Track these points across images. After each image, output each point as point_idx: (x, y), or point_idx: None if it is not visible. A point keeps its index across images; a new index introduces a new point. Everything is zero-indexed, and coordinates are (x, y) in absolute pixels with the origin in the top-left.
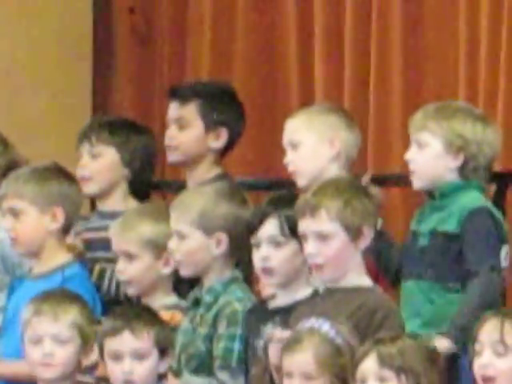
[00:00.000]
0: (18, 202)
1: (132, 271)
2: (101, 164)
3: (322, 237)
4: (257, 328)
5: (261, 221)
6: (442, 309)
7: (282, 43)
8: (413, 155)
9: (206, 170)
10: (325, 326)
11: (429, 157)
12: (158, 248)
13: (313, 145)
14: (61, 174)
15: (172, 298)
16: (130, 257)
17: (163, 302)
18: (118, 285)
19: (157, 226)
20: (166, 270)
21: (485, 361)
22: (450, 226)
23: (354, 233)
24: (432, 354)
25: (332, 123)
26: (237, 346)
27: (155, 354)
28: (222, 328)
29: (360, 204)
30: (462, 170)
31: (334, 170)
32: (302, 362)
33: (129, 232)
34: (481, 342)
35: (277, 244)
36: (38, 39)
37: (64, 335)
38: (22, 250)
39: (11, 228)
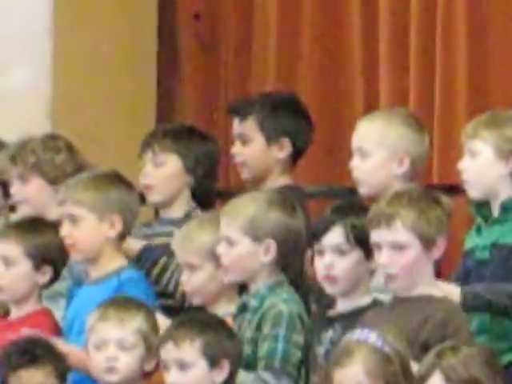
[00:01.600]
0: (76, 209)
1: (195, 282)
2: (164, 172)
3: (398, 247)
4: (317, 335)
5: (326, 228)
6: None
7: (348, 51)
8: (465, 164)
9: (273, 181)
10: (371, 337)
11: (481, 165)
12: (220, 257)
13: (382, 159)
14: (120, 181)
15: (233, 307)
16: (192, 268)
17: (227, 309)
18: (176, 284)
19: (217, 235)
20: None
21: None
22: None
23: (429, 243)
24: (492, 358)
25: (405, 138)
26: (280, 346)
27: (202, 364)
28: (266, 329)
29: (434, 214)
30: None
31: (398, 185)
32: (353, 375)
33: (189, 243)
34: None
35: (341, 252)
36: (104, 46)
37: (129, 341)
38: (79, 257)
39: (69, 234)
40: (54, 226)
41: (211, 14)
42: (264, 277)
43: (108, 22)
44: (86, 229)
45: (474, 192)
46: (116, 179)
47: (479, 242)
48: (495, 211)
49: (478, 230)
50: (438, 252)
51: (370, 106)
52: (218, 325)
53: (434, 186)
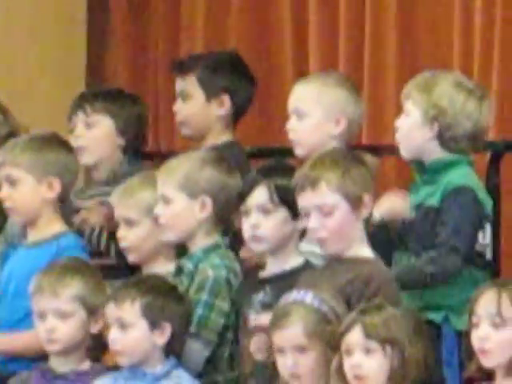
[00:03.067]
0: (14, 171)
1: (132, 238)
2: (96, 133)
3: (325, 210)
4: (248, 297)
5: (250, 189)
6: None
7: (277, 12)
8: (400, 123)
9: (215, 139)
10: (308, 297)
11: (409, 126)
12: None
13: (319, 119)
14: (59, 143)
15: (173, 266)
16: (129, 223)
17: (164, 269)
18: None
19: (156, 193)
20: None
21: (482, 333)
22: (434, 202)
23: (355, 202)
24: (418, 324)
25: (341, 100)
26: (200, 311)
27: (142, 324)
28: (191, 293)
29: (358, 173)
30: (440, 139)
31: (334, 145)
32: (292, 335)
33: (129, 198)
34: (478, 315)
35: (266, 212)
36: (35, 7)
37: (65, 309)
38: (18, 219)
39: (7, 196)
40: None
41: None
42: (201, 237)
43: None
44: (24, 191)
45: (403, 151)
46: (54, 141)
47: (412, 201)
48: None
49: (415, 189)
50: (366, 210)
51: (300, 67)
52: (163, 287)
53: (363, 147)
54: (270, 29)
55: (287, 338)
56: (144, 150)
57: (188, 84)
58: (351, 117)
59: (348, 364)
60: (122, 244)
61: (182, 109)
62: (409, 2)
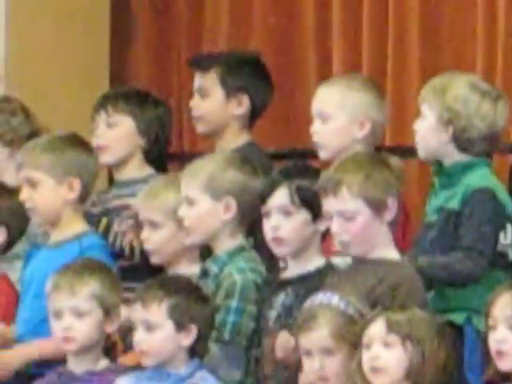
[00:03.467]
0: (34, 172)
1: (156, 240)
2: (117, 133)
3: (347, 215)
4: (269, 299)
5: (271, 190)
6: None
7: (301, 16)
8: (417, 125)
9: (232, 139)
10: (334, 299)
11: (425, 128)
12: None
13: (343, 123)
14: (78, 143)
15: (196, 268)
16: (154, 225)
17: (188, 270)
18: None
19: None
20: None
21: (499, 336)
22: (454, 205)
23: (378, 206)
24: (441, 328)
25: (366, 103)
26: (232, 318)
27: (169, 326)
28: (219, 299)
29: (381, 176)
30: (456, 142)
31: (359, 149)
32: (319, 338)
33: (153, 200)
34: (494, 317)
35: (287, 213)
36: (58, 8)
37: (83, 308)
38: (39, 220)
39: (28, 198)
40: (7, 189)
41: None
42: (225, 238)
43: None
44: (45, 192)
45: (421, 153)
46: (74, 142)
47: (432, 204)
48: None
49: (435, 192)
50: (390, 214)
51: (323, 71)
52: (189, 288)
53: (385, 149)
54: (293, 31)
55: (314, 341)
56: (167, 152)
57: (208, 80)
58: (375, 120)
59: (366, 357)
60: (146, 246)
61: (199, 105)
62: (432, 3)
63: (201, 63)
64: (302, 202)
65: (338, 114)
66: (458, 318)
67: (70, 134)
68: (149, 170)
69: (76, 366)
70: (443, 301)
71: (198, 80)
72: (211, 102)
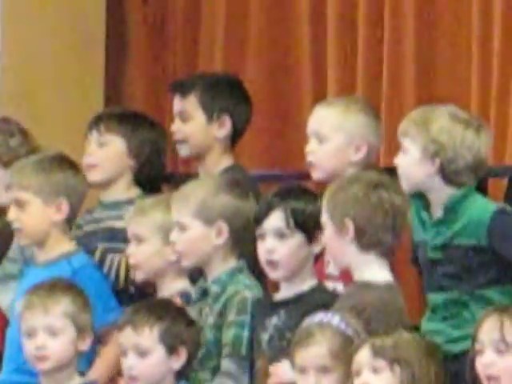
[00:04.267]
0: (22, 193)
1: (140, 255)
2: (107, 152)
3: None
4: (262, 321)
5: (266, 212)
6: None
7: (295, 33)
8: (398, 160)
9: (215, 161)
10: (335, 319)
11: (409, 163)
12: (168, 234)
13: (340, 145)
14: (66, 164)
15: (181, 284)
16: (139, 240)
17: (172, 287)
18: (118, 273)
19: (170, 215)
20: (174, 257)
21: (487, 360)
22: (467, 239)
23: (339, 226)
24: (430, 348)
25: (364, 126)
26: (246, 333)
27: (160, 350)
28: (231, 316)
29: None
30: (443, 174)
31: (352, 171)
32: (316, 355)
33: (141, 216)
34: (481, 341)
35: (282, 236)
36: (53, 30)
37: (56, 326)
38: (25, 241)
39: (16, 219)
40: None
41: None
42: (218, 261)
43: (56, 5)
44: (33, 213)
45: (405, 186)
46: (61, 162)
47: (428, 240)
48: (435, 206)
49: (423, 224)
50: (348, 236)
51: (319, 92)
52: (177, 312)
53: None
54: (288, 48)
55: (311, 358)
56: (159, 175)
57: (188, 105)
58: (372, 143)
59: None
60: (131, 261)
61: (181, 129)
62: (427, 30)
63: (180, 87)
64: (296, 225)
65: (335, 136)
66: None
67: (56, 154)
68: (135, 192)
69: None
70: (459, 330)
71: (178, 104)
72: (193, 125)
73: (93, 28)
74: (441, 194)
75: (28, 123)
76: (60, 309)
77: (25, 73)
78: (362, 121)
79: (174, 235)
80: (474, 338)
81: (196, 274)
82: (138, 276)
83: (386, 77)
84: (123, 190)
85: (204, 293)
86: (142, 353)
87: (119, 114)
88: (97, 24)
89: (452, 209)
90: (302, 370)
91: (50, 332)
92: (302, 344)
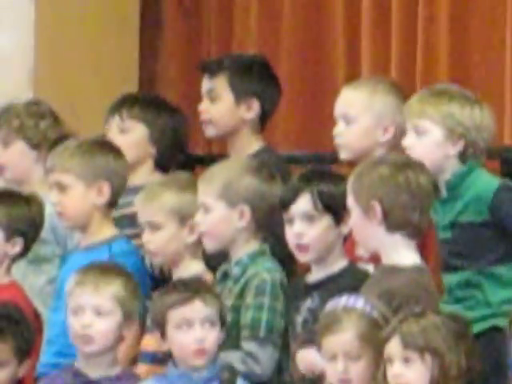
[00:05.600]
0: (64, 176)
1: (157, 241)
2: (129, 139)
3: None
4: (296, 304)
5: (294, 196)
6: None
7: (329, 16)
8: (411, 142)
9: (245, 143)
10: (359, 303)
11: (428, 144)
12: (182, 217)
13: (368, 126)
14: (107, 148)
15: (198, 266)
16: (154, 227)
17: (189, 270)
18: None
19: (180, 195)
20: (191, 239)
21: None
22: (473, 216)
23: (366, 209)
24: (459, 329)
25: (391, 107)
26: (265, 315)
27: (219, 324)
28: (249, 298)
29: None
30: (462, 156)
31: (380, 152)
32: (344, 341)
33: (152, 202)
34: None
35: (310, 220)
36: (87, 13)
37: (105, 307)
38: (68, 224)
39: (58, 202)
40: (26, 198)
41: None
42: (241, 244)
43: None
44: (74, 196)
45: None
46: (103, 146)
47: (439, 220)
48: (442, 188)
49: (436, 210)
50: (376, 218)
51: (352, 74)
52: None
53: None
54: (322, 30)
55: (339, 344)
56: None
57: (217, 85)
58: (400, 124)
59: (390, 373)
60: (148, 247)
61: (209, 109)
62: (461, 8)
63: (209, 67)
64: (325, 208)
65: (363, 117)
66: (501, 322)
67: (99, 139)
68: (158, 177)
69: (91, 370)
70: (487, 306)
71: (207, 84)
72: (221, 106)
73: (128, 11)
74: (453, 173)
75: (60, 108)
76: (111, 290)
77: (59, 58)
78: (389, 102)
79: (199, 216)
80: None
81: (212, 260)
82: (156, 261)
83: (419, 56)
84: (145, 175)
85: (225, 275)
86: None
87: (142, 100)
88: (132, 7)
89: (455, 186)
90: (331, 357)
91: (97, 312)
92: (329, 330)
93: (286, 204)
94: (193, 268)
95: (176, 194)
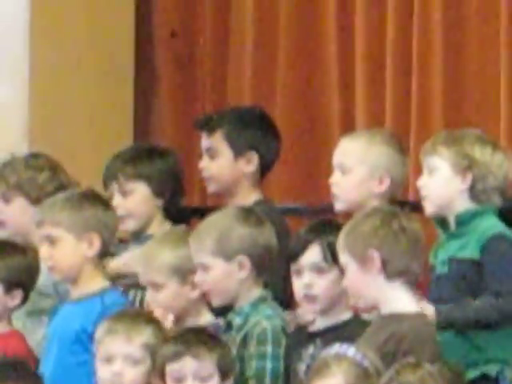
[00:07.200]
0: (54, 230)
1: (161, 301)
2: (133, 201)
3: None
4: (298, 351)
5: (303, 248)
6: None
7: (324, 72)
8: (424, 181)
9: (244, 196)
10: (351, 351)
11: (439, 180)
12: (183, 273)
13: (362, 177)
14: (96, 199)
15: (206, 318)
16: (156, 286)
17: (198, 322)
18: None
19: (177, 252)
20: (194, 294)
21: None
22: (470, 253)
23: (362, 259)
24: (454, 378)
25: (387, 158)
26: (269, 364)
27: (217, 376)
28: (252, 348)
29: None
30: (472, 191)
31: (376, 203)
32: None
33: (151, 262)
34: None
35: (320, 271)
36: (81, 65)
37: (136, 356)
38: (59, 277)
39: (49, 256)
40: (23, 248)
41: (188, 32)
42: (245, 293)
43: (85, 39)
44: (65, 249)
45: (430, 208)
46: (92, 197)
47: (439, 256)
48: (451, 224)
49: (442, 244)
50: (376, 268)
51: (347, 126)
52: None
53: (407, 203)
54: (316, 84)
55: None
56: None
57: (215, 141)
58: (395, 176)
59: None
60: (154, 307)
61: (209, 166)
62: (456, 54)
63: (206, 124)
64: (334, 260)
65: (358, 168)
66: (492, 369)
67: (87, 190)
68: (168, 227)
69: None
70: (476, 352)
71: (205, 141)
72: (220, 162)
73: (122, 62)
74: (465, 209)
75: (57, 157)
76: (142, 339)
77: (53, 109)
78: (385, 152)
79: (199, 276)
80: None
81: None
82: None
83: (414, 108)
84: (156, 227)
85: (229, 325)
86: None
87: (132, 158)
88: (126, 58)
89: (464, 222)
90: None
91: (128, 361)
92: (318, 375)
93: (294, 256)
94: (201, 320)
95: (173, 250)
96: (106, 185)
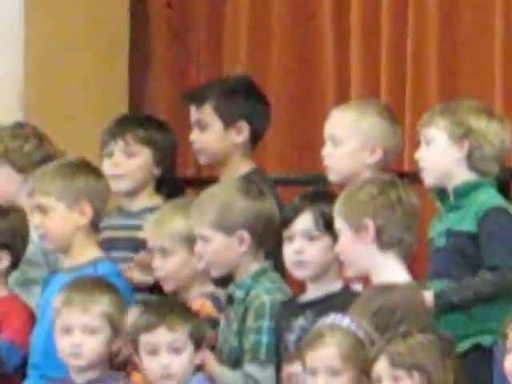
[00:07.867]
0: (45, 199)
1: (168, 267)
2: (136, 163)
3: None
4: (288, 322)
5: (295, 215)
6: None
7: (319, 35)
8: (422, 153)
9: (236, 167)
10: (345, 321)
11: (436, 151)
12: (193, 243)
13: (354, 148)
14: (87, 168)
15: (208, 288)
16: (165, 253)
17: (199, 291)
18: None
19: (190, 221)
20: (201, 265)
21: None
22: (467, 226)
23: (357, 227)
24: (444, 347)
25: (379, 129)
26: (265, 338)
27: (190, 347)
28: (250, 321)
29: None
30: (469, 160)
31: (368, 174)
32: (326, 357)
33: (163, 228)
34: (510, 340)
35: (311, 238)
36: (77, 36)
37: (94, 326)
38: (51, 246)
39: (40, 225)
40: (6, 210)
41: (183, 3)
42: (246, 265)
43: (80, 10)
44: (56, 218)
45: (429, 179)
46: (83, 167)
47: (437, 228)
48: (450, 196)
49: (440, 217)
50: (368, 236)
51: (341, 96)
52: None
53: (405, 174)
54: (311, 52)
55: (321, 359)
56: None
57: (204, 114)
58: (387, 146)
59: None
60: (159, 274)
61: (199, 138)
62: (450, 21)
63: (194, 97)
64: (326, 228)
65: (349, 139)
66: (486, 340)
67: (78, 160)
68: (158, 200)
69: (79, 379)
70: (471, 324)
71: (194, 114)
72: (210, 134)
73: (117, 32)
74: (463, 181)
75: (49, 129)
76: (99, 309)
77: (47, 80)
78: (376, 123)
79: (199, 247)
80: (503, 336)
81: (219, 281)
82: (168, 287)
83: (409, 77)
84: (146, 198)
85: (230, 299)
86: (177, 350)
87: (143, 122)
88: (121, 28)
89: (462, 194)
90: (313, 372)
91: (86, 331)
92: (312, 346)
93: (286, 222)
94: (203, 289)
95: (185, 219)
96: (107, 142)
